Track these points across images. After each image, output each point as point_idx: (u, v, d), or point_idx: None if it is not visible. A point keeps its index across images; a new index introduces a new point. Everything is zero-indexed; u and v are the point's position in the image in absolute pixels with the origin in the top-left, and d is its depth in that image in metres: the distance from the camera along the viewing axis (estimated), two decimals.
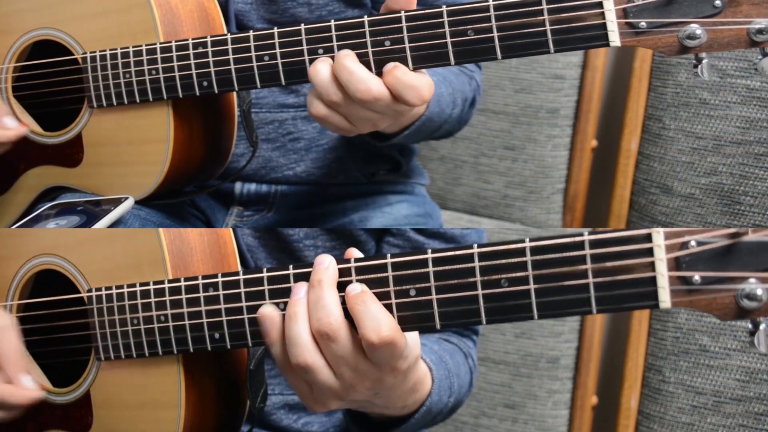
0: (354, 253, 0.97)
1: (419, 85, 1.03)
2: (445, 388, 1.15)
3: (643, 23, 0.95)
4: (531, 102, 1.87)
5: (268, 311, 0.96)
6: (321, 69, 1.05)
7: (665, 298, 0.82)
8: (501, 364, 1.80)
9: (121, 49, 1.18)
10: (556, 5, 0.97)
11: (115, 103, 1.20)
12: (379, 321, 0.91)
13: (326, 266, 0.94)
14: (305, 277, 0.96)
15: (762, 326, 0.80)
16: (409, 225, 1.39)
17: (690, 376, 1.64)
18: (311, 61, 1.08)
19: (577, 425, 1.78)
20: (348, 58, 1.04)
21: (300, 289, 0.95)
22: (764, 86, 1.64)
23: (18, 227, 1.19)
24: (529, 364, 1.78)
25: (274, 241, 1.30)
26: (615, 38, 0.96)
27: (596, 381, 1.78)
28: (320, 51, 1.07)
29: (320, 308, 0.92)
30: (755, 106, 1.65)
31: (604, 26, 0.96)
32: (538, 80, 1.87)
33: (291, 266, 0.97)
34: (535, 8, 0.98)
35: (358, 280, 0.94)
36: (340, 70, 1.04)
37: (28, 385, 1.13)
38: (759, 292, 0.79)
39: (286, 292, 0.97)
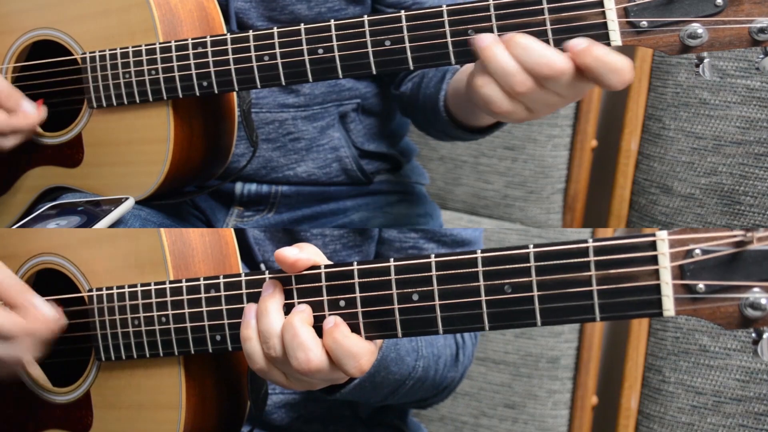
0: (306, 247, 0.98)
1: (622, 68, 0.94)
2: (408, 349, 1.15)
3: (644, 22, 0.94)
4: None
5: (254, 306, 0.98)
6: (499, 52, 0.97)
7: (669, 307, 0.82)
8: (501, 364, 1.80)
9: (120, 49, 1.18)
10: (556, 4, 0.97)
11: (114, 104, 1.20)
12: (357, 357, 0.93)
13: (302, 309, 0.95)
14: (307, 278, 0.96)
15: (765, 335, 0.80)
16: (409, 225, 1.39)
17: (690, 376, 1.64)
18: (311, 60, 1.07)
19: (577, 425, 1.78)
20: (521, 36, 0.96)
21: (268, 287, 0.97)
22: (764, 86, 1.64)
23: (18, 227, 1.18)
24: (529, 364, 1.78)
25: (281, 233, 1.30)
26: (616, 37, 0.96)
27: (596, 381, 1.78)
28: (320, 51, 1.07)
29: (297, 346, 0.94)
30: (755, 106, 1.65)
31: (605, 25, 0.96)
32: None
33: None
34: (536, 8, 0.98)
35: (360, 284, 0.94)
36: (513, 47, 0.96)
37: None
38: (763, 301, 0.79)
39: (289, 294, 0.97)
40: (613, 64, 0.93)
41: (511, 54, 0.96)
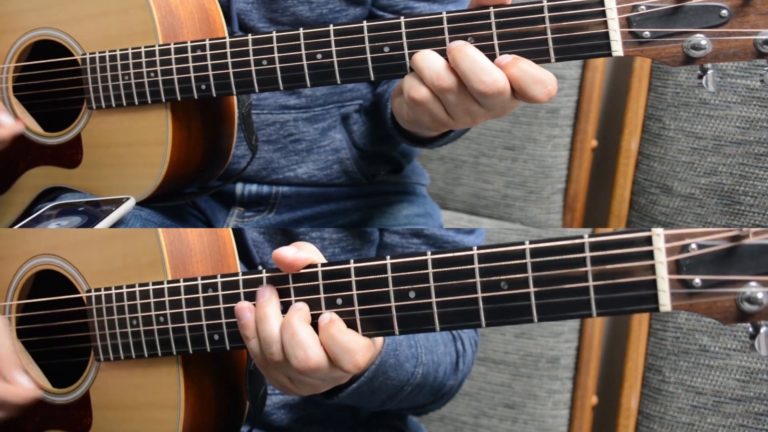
0: (304, 246, 0.98)
1: (547, 80, 0.97)
2: (408, 356, 1.15)
3: (646, 33, 0.94)
4: None
5: (246, 305, 0.98)
6: (430, 54, 1.00)
7: (665, 302, 0.82)
8: (501, 364, 1.80)
9: (120, 50, 1.18)
10: (557, 13, 0.96)
11: (114, 105, 1.20)
12: (352, 352, 0.93)
13: (299, 307, 0.95)
14: (304, 276, 0.96)
15: (762, 329, 0.80)
16: (410, 225, 1.39)
17: (690, 376, 1.64)
18: (309, 66, 1.07)
19: (577, 425, 1.78)
20: (470, 47, 0.98)
21: (265, 291, 0.97)
22: (764, 86, 1.63)
23: (19, 227, 1.19)
24: (529, 364, 1.78)
25: (279, 235, 1.30)
26: (618, 48, 0.95)
27: (596, 381, 1.78)
28: (318, 56, 1.06)
29: (296, 344, 0.94)
30: (755, 106, 1.65)
31: (606, 35, 0.95)
32: None
33: None
34: (537, 16, 0.97)
35: (357, 282, 0.94)
36: (462, 57, 0.98)
37: (25, 384, 1.14)
38: (759, 295, 0.79)
39: (286, 293, 0.97)
40: (537, 75, 0.97)
41: (458, 64, 0.99)
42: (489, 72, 0.97)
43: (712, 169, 1.69)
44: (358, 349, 0.93)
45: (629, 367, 1.72)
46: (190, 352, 1.04)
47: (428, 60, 1.00)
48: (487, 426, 1.81)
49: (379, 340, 1.07)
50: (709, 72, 0.94)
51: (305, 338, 0.93)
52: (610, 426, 1.77)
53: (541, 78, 0.97)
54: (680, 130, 1.72)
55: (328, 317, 0.94)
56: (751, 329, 0.81)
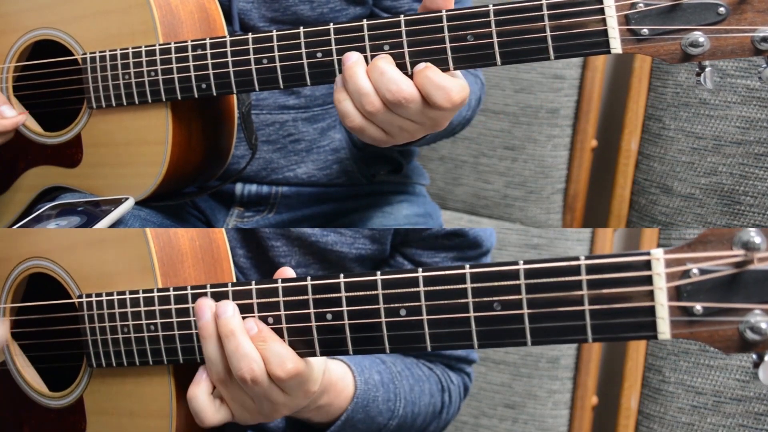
0: (287, 272, 0.99)
1: (449, 86, 1.00)
2: (381, 410, 1.16)
3: (645, 30, 0.94)
4: (531, 102, 1.86)
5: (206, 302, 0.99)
6: (359, 72, 1.03)
7: (665, 330, 0.79)
8: (501, 364, 1.80)
9: (120, 50, 1.18)
10: (556, 11, 0.96)
11: (114, 104, 1.20)
12: (282, 356, 0.95)
13: (231, 315, 0.97)
14: (294, 290, 0.95)
15: (767, 358, 0.77)
16: (410, 225, 1.38)
17: (690, 376, 1.64)
18: (309, 64, 1.07)
19: (577, 425, 1.78)
20: (382, 60, 1.02)
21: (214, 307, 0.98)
22: (764, 86, 1.64)
23: (19, 227, 1.18)
24: (529, 364, 1.78)
25: (267, 264, 1.29)
26: (616, 45, 0.95)
27: (596, 381, 1.78)
28: (319, 54, 1.06)
29: (241, 357, 0.95)
30: (755, 106, 1.65)
31: (605, 33, 0.95)
32: (538, 80, 1.87)
33: (280, 279, 0.96)
34: (536, 14, 0.97)
35: (346, 297, 0.92)
36: (371, 69, 1.02)
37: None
38: (764, 325, 0.76)
39: (275, 305, 0.96)
40: (439, 82, 1.00)
41: (368, 75, 1.02)
42: (395, 81, 1.01)
43: (712, 169, 1.69)
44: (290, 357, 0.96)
45: (629, 367, 1.72)
46: (181, 361, 1.03)
47: (357, 80, 1.03)
48: (487, 426, 1.81)
49: (340, 379, 1.11)
50: (707, 69, 0.93)
51: (249, 351, 0.96)
52: (610, 426, 1.77)
53: (442, 84, 1.00)
54: (680, 130, 1.72)
55: (255, 328, 0.96)
56: (755, 357, 0.78)
